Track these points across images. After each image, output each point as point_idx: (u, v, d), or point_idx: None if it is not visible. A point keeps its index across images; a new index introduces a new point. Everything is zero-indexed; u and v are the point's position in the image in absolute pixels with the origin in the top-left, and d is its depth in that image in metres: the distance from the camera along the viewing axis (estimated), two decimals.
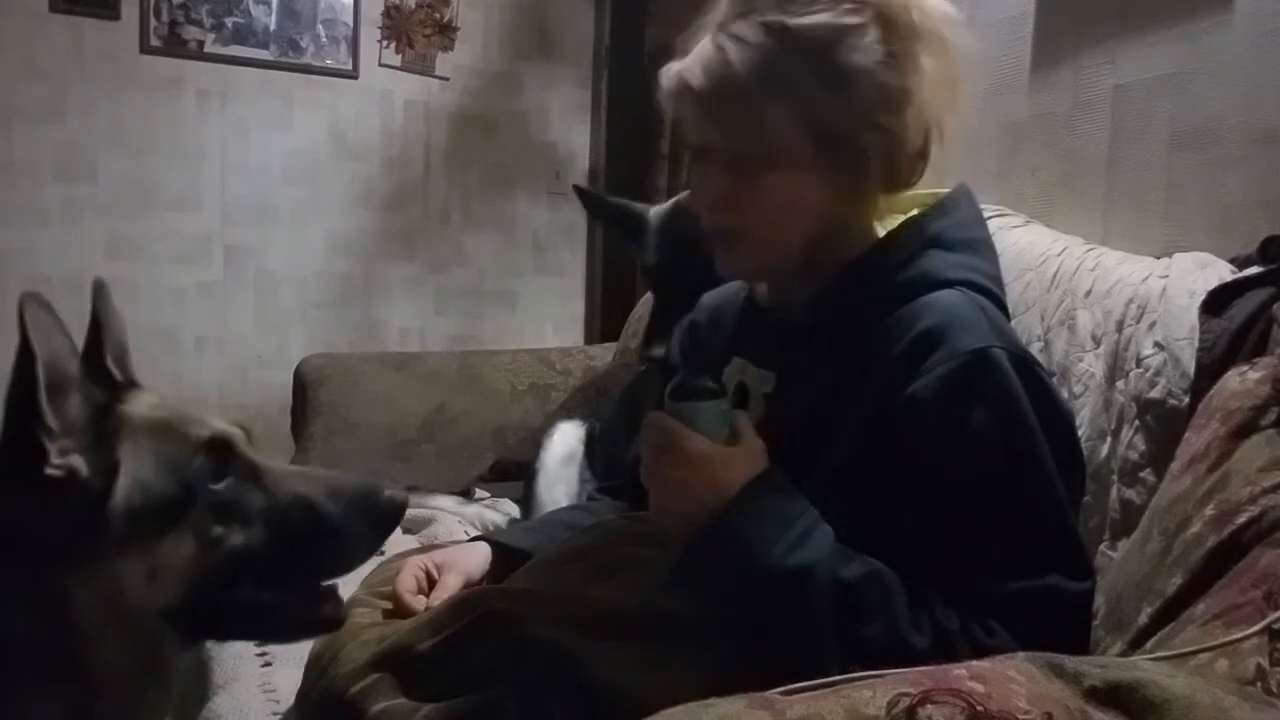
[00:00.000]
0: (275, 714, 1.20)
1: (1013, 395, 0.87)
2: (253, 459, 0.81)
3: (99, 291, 0.83)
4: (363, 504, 0.82)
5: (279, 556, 0.79)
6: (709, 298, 1.23)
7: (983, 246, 1.02)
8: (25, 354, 0.70)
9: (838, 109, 0.90)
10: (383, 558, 1.27)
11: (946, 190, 1.03)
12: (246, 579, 0.78)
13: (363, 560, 0.85)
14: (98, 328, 0.82)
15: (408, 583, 1.06)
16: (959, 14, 0.96)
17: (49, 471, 0.71)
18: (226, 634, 0.89)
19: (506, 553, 1.14)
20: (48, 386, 0.71)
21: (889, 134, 0.92)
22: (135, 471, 0.73)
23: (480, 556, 1.13)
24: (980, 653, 0.78)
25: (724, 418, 0.90)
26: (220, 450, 0.78)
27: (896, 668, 0.64)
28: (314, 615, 0.85)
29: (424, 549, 1.30)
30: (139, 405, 0.79)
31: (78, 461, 0.72)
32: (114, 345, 0.83)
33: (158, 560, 0.73)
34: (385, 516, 0.83)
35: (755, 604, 0.86)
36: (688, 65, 0.94)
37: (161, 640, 0.77)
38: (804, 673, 0.65)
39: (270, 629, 0.87)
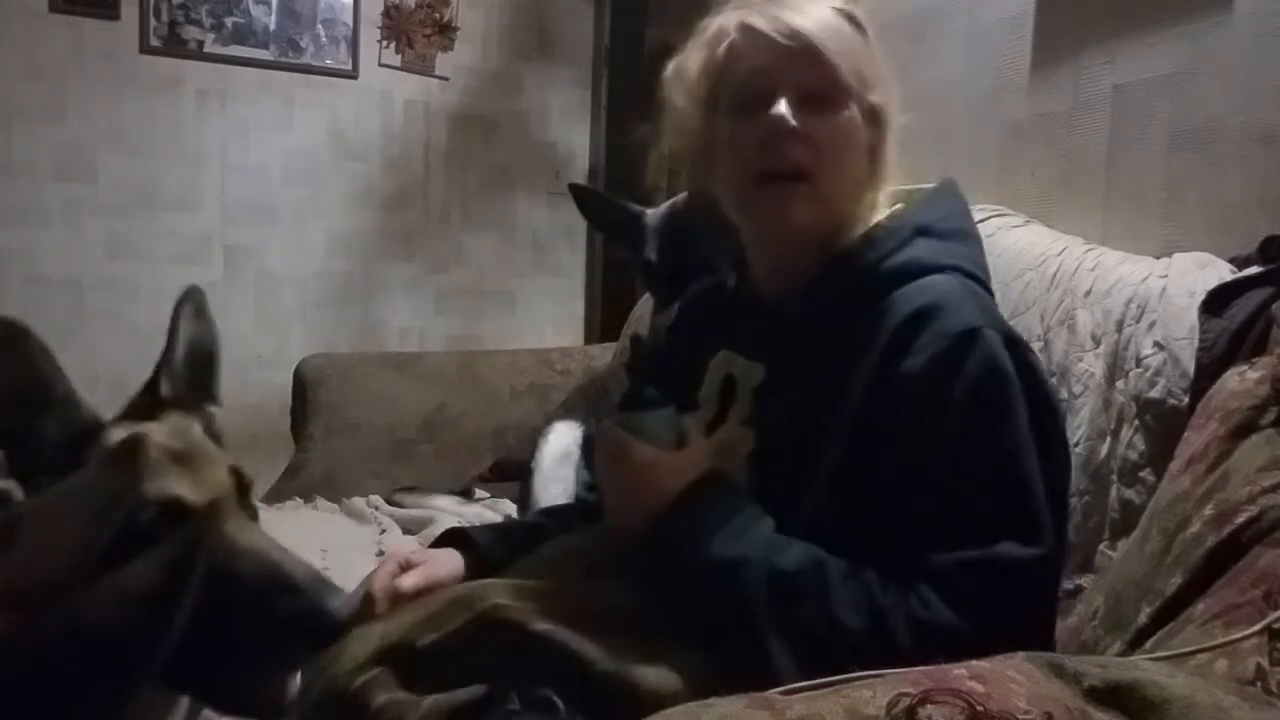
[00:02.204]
0: None
1: (1003, 374, 0.88)
2: (212, 527, 0.75)
3: (179, 303, 0.82)
4: (305, 601, 0.76)
5: (202, 625, 0.72)
6: (692, 292, 1.23)
7: (969, 237, 1.04)
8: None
9: (879, 90, 0.99)
10: (381, 558, 1.27)
11: (931, 185, 1.06)
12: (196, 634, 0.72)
13: (291, 660, 0.81)
14: (171, 339, 0.82)
15: (383, 580, 1.06)
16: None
17: None
18: (177, 688, 0.81)
19: (478, 557, 1.13)
20: (26, 408, 0.71)
21: (891, 132, 1.01)
22: (81, 504, 0.71)
23: (454, 563, 1.11)
24: (916, 627, 0.81)
25: (668, 425, 0.95)
26: (174, 512, 0.74)
27: (834, 651, 0.65)
28: (254, 698, 0.79)
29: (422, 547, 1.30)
30: (155, 432, 0.77)
31: (11, 485, 0.71)
32: (182, 359, 0.82)
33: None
34: (325, 623, 0.78)
35: (697, 597, 0.88)
36: (782, 13, 0.98)
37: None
38: (749, 663, 0.66)
39: (216, 697, 0.81)
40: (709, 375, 1.07)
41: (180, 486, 0.76)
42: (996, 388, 0.88)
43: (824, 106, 0.97)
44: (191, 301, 0.85)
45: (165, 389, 0.82)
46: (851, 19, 1.00)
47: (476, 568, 1.11)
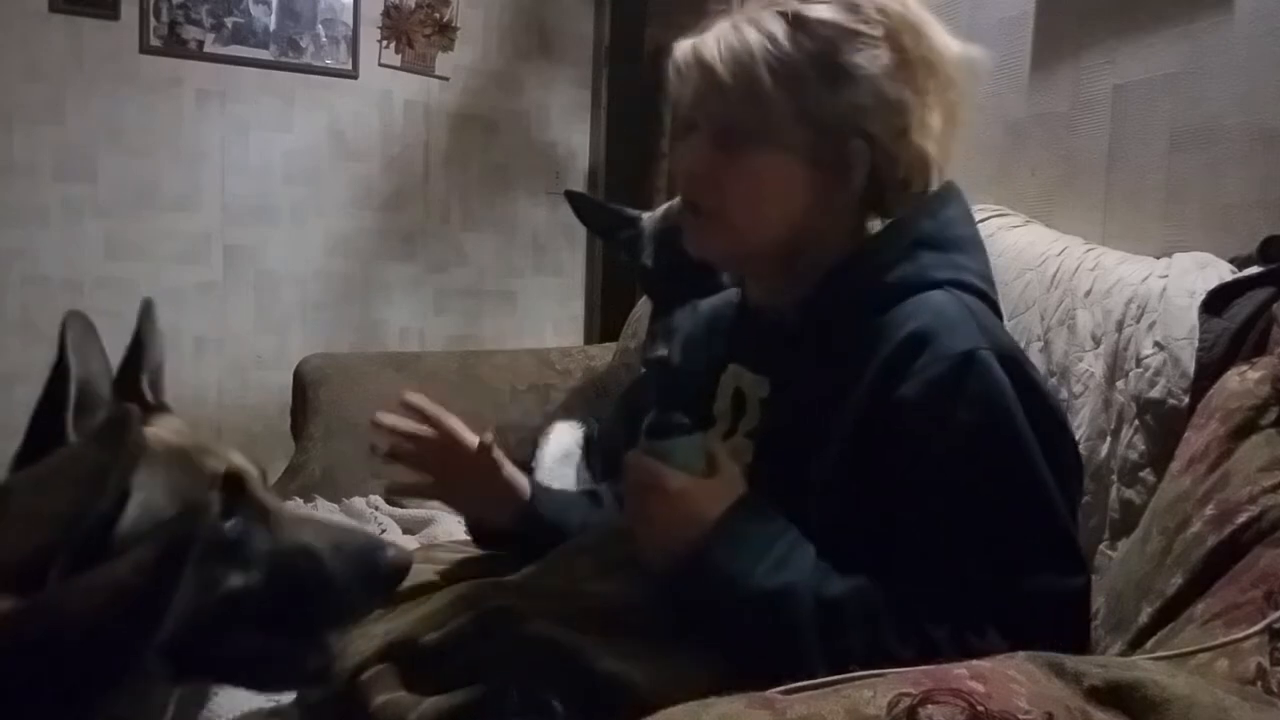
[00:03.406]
0: (276, 713, 1.20)
1: (1001, 396, 0.87)
2: (263, 500, 0.79)
3: (145, 311, 0.82)
4: (365, 560, 0.80)
5: (274, 604, 0.76)
6: (706, 304, 1.23)
7: (971, 245, 1.01)
8: (59, 373, 0.71)
9: (832, 105, 0.93)
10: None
11: (934, 189, 1.03)
12: (239, 623, 0.75)
13: (359, 617, 0.84)
14: (138, 347, 0.82)
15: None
16: (966, 48, 0.98)
17: None
18: (214, 676, 0.84)
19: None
20: (76, 405, 0.71)
21: (878, 147, 0.95)
22: (146, 499, 0.71)
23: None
24: (973, 658, 0.78)
25: (698, 451, 0.93)
26: (233, 488, 0.76)
27: None
28: (304, 668, 0.81)
29: (426, 547, 1.31)
30: (163, 430, 0.78)
31: None
32: (151, 366, 0.82)
33: None
34: (386, 575, 0.81)
35: (741, 628, 0.87)
36: (701, 39, 0.96)
37: (150, 675, 0.72)
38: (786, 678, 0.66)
39: (259, 677, 0.82)
40: (720, 389, 1.06)
41: (233, 460, 0.78)
42: (998, 412, 0.86)
43: (737, 144, 0.95)
44: (152, 313, 0.84)
45: (149, 395, 0.82)
46: (806, 27, 0.93)
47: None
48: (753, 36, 0.93)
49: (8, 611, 0.60)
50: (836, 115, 0.93)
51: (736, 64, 0.93)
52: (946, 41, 0.97)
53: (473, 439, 1.11)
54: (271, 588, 0.76)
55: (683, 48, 0.98)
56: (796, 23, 0.93)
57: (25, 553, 0.64)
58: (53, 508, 0.67)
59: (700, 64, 0.95)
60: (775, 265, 1.01)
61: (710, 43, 0.95)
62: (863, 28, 0.93)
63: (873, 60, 0.93)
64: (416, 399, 1.12)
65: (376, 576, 0.80)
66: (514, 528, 1.14)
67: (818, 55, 0.92)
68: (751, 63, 0.92)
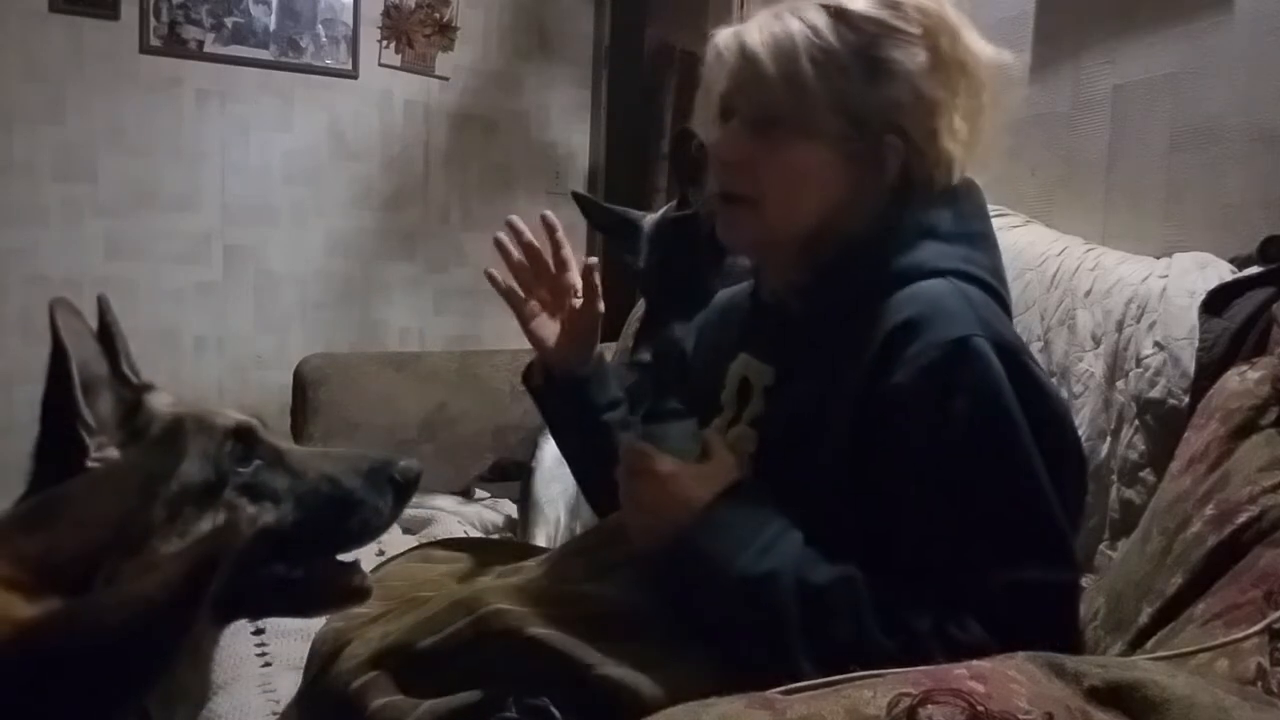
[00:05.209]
0: (275, 714, 1.20)
1: (995, 385, 0.85)
2: (275, 444, 0.85)
3: (103, 305, 0.87)
4: (381, 476, 0.87)
5: (308, 532, 0.83)
6: (723, 295, 1.23)
7: (981, 240, 1.00)
8: (59, 356, 0.74)
9: (872, 99, 0.93)
10: (382, 558, 1.28)
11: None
12: (278, 556, 0.82)
13: (385, 529, 0.90)
14: (109, 336, 0.85)
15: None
16: (998, 53, 1.01)
17: (90, 465, 0.74)
18: (260, 612, 0.92)
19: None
20: (81, 386, 0.75)
21: (911, 143, 0.95)
22: (182, 467, 0.77)
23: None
24: (955, 650, 0.78)
25: (693, 437, 0.94)
26: (246, 436, 0.82)
27: (880, 669, 0.63)
28: (343, 587, 0.89)
29: (422, 545, 1.31)
30: (161, 402, 0.83)
31: (115, 455, 0.76)
32: (125, 351, 0.86)
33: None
34: (403, 485, 0.88)
35: (725, 613, 0.87)
36: (744, 26, 0.97)
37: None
38: (782, 677, 0.66)
39: (302, 603, 0.90)
40: (729, 378, 1.07)
41: (235, 415, 0.84)
42: (991, 401, 0.85)
43: (775, 132, 0.95)
44: (108, 305, 0.89)
45: (134, 377, 0.86)
46: (848, 20, 0.93)
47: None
48: (796, 26, 0.93)
49: (51, 614, 0.62)
50: (874, 110, 0.93)
51: (779, 52, 0.93)
52: (980, 45, 0.99)
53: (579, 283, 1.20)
54: (302, 516, 0.83)
55: (725, 34, 0.98)
56: (839, 15, 0.93)
57: (74, 555, 0.67)
58: (104, 512, 0.70)
59: (743, 51, 0.95)
60: (802, 256, 1.00)
61: (753, 31, 0.95)
62: (902, 25, 0.94)
63: (911, 58, 0.93)
64: (556, 221, 1.22)
65: (394, 485, 0.87)
66: (571, 371, 1.23)
67: (859, 49, 0.93)
68: (794, 51, 0.92)
